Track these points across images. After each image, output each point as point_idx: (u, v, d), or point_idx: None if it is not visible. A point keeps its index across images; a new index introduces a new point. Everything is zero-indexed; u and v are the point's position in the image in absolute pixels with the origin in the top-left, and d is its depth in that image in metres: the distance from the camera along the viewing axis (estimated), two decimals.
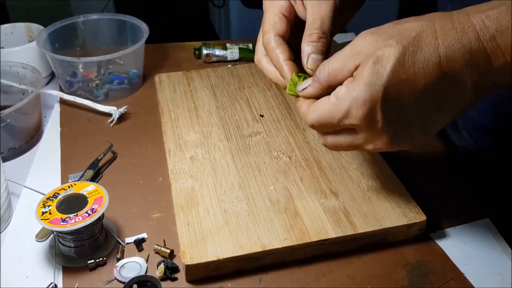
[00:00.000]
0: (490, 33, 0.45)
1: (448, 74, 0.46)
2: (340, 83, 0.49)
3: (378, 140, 0.49)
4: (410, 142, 0.50)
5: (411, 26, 0.47)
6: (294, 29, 0.59)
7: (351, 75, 0.48)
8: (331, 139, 0.52)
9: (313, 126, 0.52)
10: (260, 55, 0.60)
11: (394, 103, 0.47)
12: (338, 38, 1.05)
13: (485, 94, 0.48)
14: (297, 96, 0.55)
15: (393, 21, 0.49)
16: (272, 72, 0.59)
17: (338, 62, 0.49)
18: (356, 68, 0.48)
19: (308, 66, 0.55)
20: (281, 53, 0.57)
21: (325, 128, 0.51)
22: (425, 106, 0.47)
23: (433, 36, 0.46)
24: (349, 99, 0.47)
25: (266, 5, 0.60)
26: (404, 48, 0.46)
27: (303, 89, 0.53)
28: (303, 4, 0.58)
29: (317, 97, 0.52)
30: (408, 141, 0.50)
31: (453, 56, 0.46)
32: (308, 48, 0.55)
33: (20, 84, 0.81)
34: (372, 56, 0.46)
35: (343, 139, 0.51)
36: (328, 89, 0.51)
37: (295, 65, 0.57)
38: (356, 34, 1.07)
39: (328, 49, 0.56)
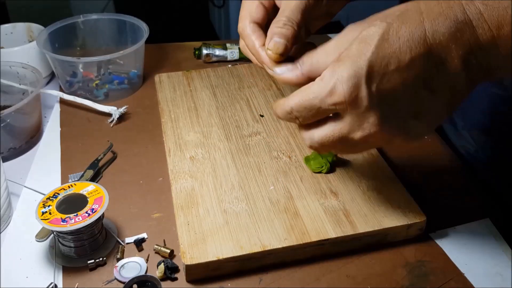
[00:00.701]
0: (476, 6, 0.45)
1: (434, 50, 0.45)
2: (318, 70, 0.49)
3: (366, 122, 0.47)
4: (404, 130, 0.48)
5: (395, 8, 0.47)
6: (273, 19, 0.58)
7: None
8: (317, 134, 0.50)
9: (291, 113, 0.49)
10: (245, 23, 0.59)
11: (380, 79, 0.45)
12: None
13: (478, 81, 0.47)
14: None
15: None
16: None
17: (322, 53, 0.49)
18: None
19: (268, 47, 0.54)
20: (256, 39, 0.57)
21: (305, 112, 0.49)
22: (414, 85, 0.46)
23: (417, 12, 0.46)
24: (334, 77, 0.46)
25: None
26: (388, 25, 0.45)
27: (282, 72, 0.52)
28: None
29: (295, 85, 0.51)
30: (401, 128, 0.48)
31: (439, 30, 0.45)
32: (273, 31, 0.54)
33: (20, 84, 0.81)
34: (357, 38, 0.46)
35: (329, 129, 0.49)
36: (307, 80, 0.50)
37: None
38: None
39: (294, 37, 0.55)
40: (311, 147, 0.51)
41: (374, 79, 0.45)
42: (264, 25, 0.59)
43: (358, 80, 0.45)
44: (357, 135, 0.48)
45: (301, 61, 0.51)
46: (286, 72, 0.52)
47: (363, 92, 0.45)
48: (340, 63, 0.46)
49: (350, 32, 0.48)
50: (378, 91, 0.46)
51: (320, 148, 0.51)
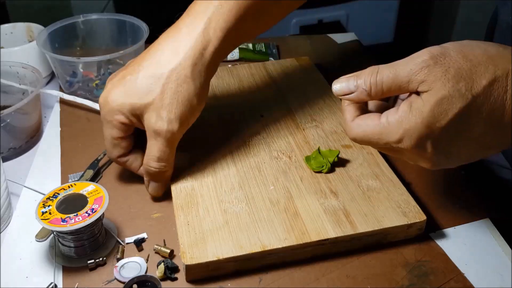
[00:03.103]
0: None
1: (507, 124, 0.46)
2: (390, 95, 0.49)
3: (422, 163, 0.50)
4: (451, 164, 0.51)
5: (483, 68, 0.45)
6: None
7: (407, 95, 0.48)
8: (368, 136, 0.51)
9: (354, 140, 0.51)
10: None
11: (447, 142, 0.47)
12: (338, 38, 1.05)
13: None
14: None
15: (460, 45, 0.47)
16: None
17: (396, 79, 0.47)
18: (414, 91, 0.47)
19: (150, 191, 0.64)
20: (131, 165, 0.65)
21: (368, 144, 0.51)
22: (472, 147, 0.48)
23: (503, 90, 0.45)
24: (402, 129, 0.47)
25: (102, 119, 0.63)
26: (473, 99, 0.45)
27: (345, 94, 0.51)
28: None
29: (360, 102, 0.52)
30: (449, 164, 0.50)
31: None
32: (147, 176, 0.63)
33: (20, 84, 0.81)
34: (436, 94, 0.45)
35: (384, 149, 0.51)
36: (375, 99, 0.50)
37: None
38: (356, 34, 1.07)
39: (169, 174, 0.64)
40: (354, 139, 0.52)
41: (442, 142, 0.47)
42: (131, 145, 0.65)
43: (426, 140, 0.47)
44: (408, 161, 0.51)
45: (370, 83, 0.49)
46: (352, 95, 0.50)
47: (429, 149, 0.47)
48: (411, 117, 0.46)
49: (431, 72, 0.46)
50: (442, 148, 0.48)
51: (360, 143, 0.52)
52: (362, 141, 0.51)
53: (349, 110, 0.52)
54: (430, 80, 0.45)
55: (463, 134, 0.47)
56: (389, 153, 0.52)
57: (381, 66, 0.48)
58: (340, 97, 0.51)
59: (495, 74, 0.45)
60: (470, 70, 0.45)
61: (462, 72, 0.45)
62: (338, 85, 0.51)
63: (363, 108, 0.52)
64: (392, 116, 0.48)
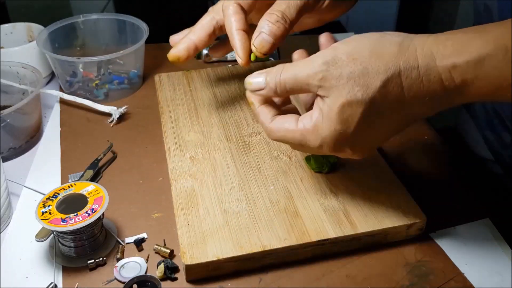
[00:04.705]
0: (456, 84, 0.46)
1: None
2: (295, 94, 0.51)
3: (349, 157, 0.52)
4: (374, 149, 0.54)
5: (374, 69, 0.46)
6: (264, 10, 0.58)
7: (313, 94, 0.50)
8: (281, 134, 0.53)
9: (277, 141, 0.54)
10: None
11: (361, 139, 0.50)
12: (338, 38, 1.05)
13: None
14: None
15: (349, 46, 0.48)
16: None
17: (296, 81, 0.49)
18: (315, 93, 0.49)
19: (254, 44, 0.53)
20: (235, 22, 0.56)
21: (285, 141, 0.53)
22: (389, 131, 0.51)
23: (399, 88, 0.46)
24: (319, 138, 0.49)
25: None
26: (371, 102, 0.46)
27: (256, 89, 0.52)
28: None
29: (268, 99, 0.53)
30: (373, 150, 0.53)
31: (417, 105, 0.47)
32: (263, 25, 0.54)
33: (20, 84, 0.81)
34: (336, 102, 0.47)
35: (308, 151, 0.53)
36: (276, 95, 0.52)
37: (247, 37, 0.55)
38: (356, 33, 1.07)
39: (284, 36, 0.55)
40: (269, 136, 0.53)
41: (357, 140, 0.50)
42: (250, 10, 0.57)
43: (342, 145, 0.49)
44: (323, 150, 0.51)
45: (276, 81, 0.50)
46: (261, 91, 0.52)
47: (347, 149, 0.50)
48: (325, 126, 0.48)
49: (334, 71, 0.47)
50: (357, 146, 0.51)
51: (274, 139, 0.54)
52: (284, 141, 0.53)
53: (263, 112, 0.53)
54: (327, 86, 0.47)
55: (374, 129, 0.49)
56: (314, 153, 0.54)
57: (287, 65, 0.50)
58: (252, 92, 0.52)
59: (387, 74, 0.46)
60: (362, 73, 0.46)
61: (355, 76, 0.46)
62: (251, 80, 0.52)
63: (275, 106, 0.54)
64: (308, 123, 0.50)
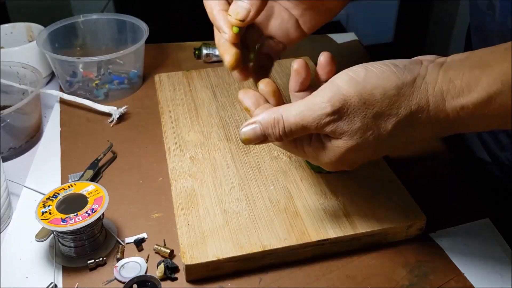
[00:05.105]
0: (463, 121, 0.46)
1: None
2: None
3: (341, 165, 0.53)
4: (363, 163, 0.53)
5: (387, 112, 0.46)
6: None
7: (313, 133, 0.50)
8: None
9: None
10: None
11: (360, 162, 0.52)
12: (338, 38, 1.05)
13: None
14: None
15: (359, 89, 0.46)
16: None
17: (305, 128, 0.48)
18: (324, 133, 0.49)
19: (230, 12, 0.52)
20: (216, 5, 0.53)
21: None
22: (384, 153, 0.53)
23: (408, 127, 0.47)
24: (316, 160, 0.51)
25: None
26: (380, 143, 0.48)
27: (256, 143, 0.51)
28: None
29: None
30: (363, 163, 0.53)
31: (421, 136, 0.48)
32: None
33: (20, 84, 0.81)
34: (346, 144, 0.48)
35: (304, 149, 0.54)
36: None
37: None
38: (356, 33, 1.07)
39: (260, 7, 0.52)
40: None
41: (354, 164, 0.52)
42: None
43: (342, 166, 0.51)
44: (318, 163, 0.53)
45: (282, 126, 0.48)
46: (252, 139, 0.51)
47: (346, 166, 0.52)
48: (328, 152, 0.49)
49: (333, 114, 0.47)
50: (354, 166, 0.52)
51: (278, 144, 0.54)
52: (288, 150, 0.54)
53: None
54: (338, 132, 0.47)
55: (375, 154, 0.51)
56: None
57: (284, 115, 0.48)
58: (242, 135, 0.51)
59: (398, 118, 0.46)
60: (374, 117, 0.46)
61: (367, 121, 0.46)
62: (247, 135, 0.51)
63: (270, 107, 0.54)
64: (307, 146, 0.51)
